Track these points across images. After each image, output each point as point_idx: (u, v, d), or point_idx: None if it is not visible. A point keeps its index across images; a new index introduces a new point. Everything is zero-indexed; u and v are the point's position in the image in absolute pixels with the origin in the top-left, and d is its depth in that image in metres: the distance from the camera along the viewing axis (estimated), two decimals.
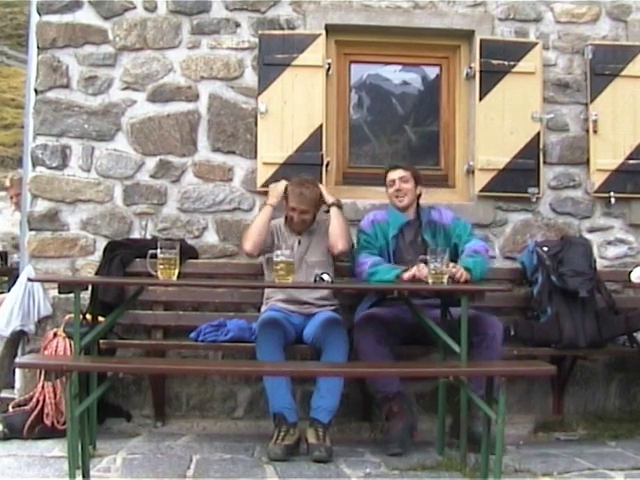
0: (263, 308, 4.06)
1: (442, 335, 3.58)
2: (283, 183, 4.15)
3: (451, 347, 3.52)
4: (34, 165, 4.38)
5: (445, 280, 3.56)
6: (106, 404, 4.06)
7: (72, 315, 3.62)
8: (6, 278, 5.42)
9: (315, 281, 3.77)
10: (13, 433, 3.81)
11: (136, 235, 4.38)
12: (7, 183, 5.91)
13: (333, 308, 4.01)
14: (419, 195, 4.13)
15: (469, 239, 4.00)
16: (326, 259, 4.07)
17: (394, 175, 4.09)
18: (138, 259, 4.08)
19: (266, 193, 4.34)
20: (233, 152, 4.46)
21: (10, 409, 3.94)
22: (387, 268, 3.85)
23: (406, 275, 3.78)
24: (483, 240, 4.21)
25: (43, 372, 3.86)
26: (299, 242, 4.07)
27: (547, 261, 4.15)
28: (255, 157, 4.42)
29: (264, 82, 4.41)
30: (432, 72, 4.78)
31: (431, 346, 3.84)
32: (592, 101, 4.54)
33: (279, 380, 3.70)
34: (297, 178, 4.14)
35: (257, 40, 4.44)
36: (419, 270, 3.74)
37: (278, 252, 3.55)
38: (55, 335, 3.98)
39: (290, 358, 3.92)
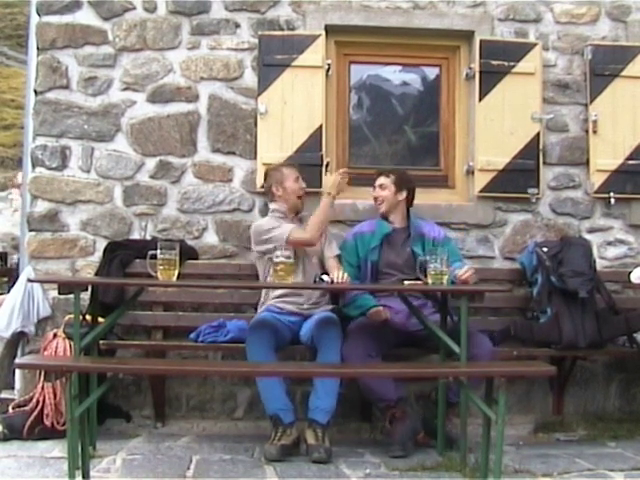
0: (259, 309, 4.03)
1: (442, 336, 3.58)
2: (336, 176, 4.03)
3: (450, 348, 3.52)
4: (34, 166, 4.38)
5: (445, 281, 3.56)
6: (106, 405, 4.06)
7: (72, 316, 3.62)
8: (6, 279, 5.44)
9: (315, 282, 3.77)
10: (13, 434, 3.81)
11: (136, 236, 4.38)
12: (19, 180, 5.94)
13: (330, 307, 3.99)
14: (409, 202, 4.12)
15: (458, 260, 3.95)
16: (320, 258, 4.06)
17: (376, 182, 4.15)
18: (138, 260, 4.08)
19: (266, 194, 4.36)
20: (233, 153, 4.45)
21: (10, 410, 3.94)
22: (366, 298, 3.89)
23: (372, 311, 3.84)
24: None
25: (43, 373, 3.86)
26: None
27: (547, 261, 4.15)
28: (255, 158, 4.42)
29: (264, 83, 4.41)
30: (432, 73, 4.78)
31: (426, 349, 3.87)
32: (592, 101, 4.54)
33: (272, 381, 3.68)
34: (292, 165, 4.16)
35: (257, 41, 4.44)
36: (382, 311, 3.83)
37: (278, 252, 3.54)
38: (55, 336, 3.98)
39: (289, 359, 3.92)
